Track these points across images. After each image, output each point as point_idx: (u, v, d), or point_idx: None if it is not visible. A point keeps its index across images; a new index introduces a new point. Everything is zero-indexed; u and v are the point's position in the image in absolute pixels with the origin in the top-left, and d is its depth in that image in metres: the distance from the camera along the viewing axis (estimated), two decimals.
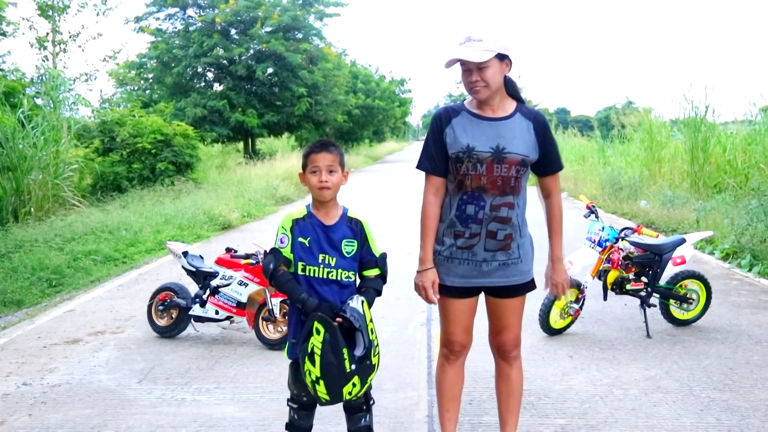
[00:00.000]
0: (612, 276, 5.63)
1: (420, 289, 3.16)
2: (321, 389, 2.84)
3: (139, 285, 7.93)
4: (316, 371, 2.82)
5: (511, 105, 3.13)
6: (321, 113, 30.60)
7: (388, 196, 18.11)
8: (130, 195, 14.71)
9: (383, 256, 3.12)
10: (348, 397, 2.90)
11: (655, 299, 5.73)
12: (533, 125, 3.09)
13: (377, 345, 3.01)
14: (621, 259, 5.60)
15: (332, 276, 2.98)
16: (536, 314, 5.54)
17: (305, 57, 28.19)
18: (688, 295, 5.75)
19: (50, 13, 18.50)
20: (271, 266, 2.98)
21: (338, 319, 2.87)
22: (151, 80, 28.85)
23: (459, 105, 3.17)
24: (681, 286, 5.74)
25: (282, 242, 3.00)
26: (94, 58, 39.52)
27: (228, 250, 5.73)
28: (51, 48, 18.87)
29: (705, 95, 15.05)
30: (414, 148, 77.37)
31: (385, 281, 3.15)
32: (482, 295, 3.24)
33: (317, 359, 2.81)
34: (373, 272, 3.09)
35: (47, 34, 18.60)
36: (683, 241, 5.77)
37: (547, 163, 3.17)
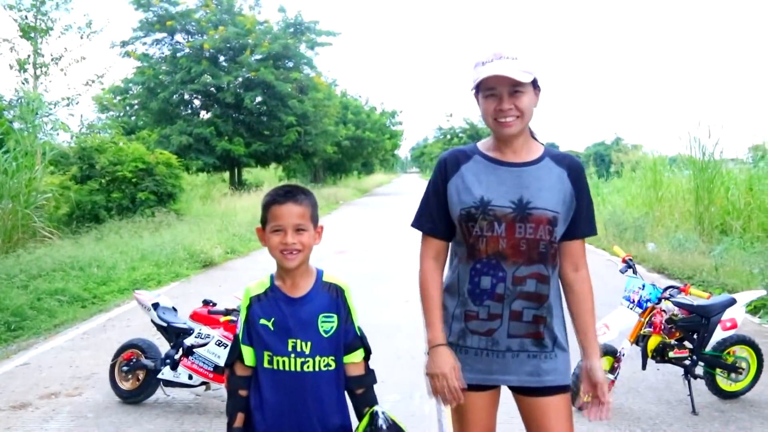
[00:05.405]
0: (653, 342, 4.81)
1: (439, 379, 2.30)
2: None
3: (107, 333, 7.07)
4: None
5: (537, 148, 2.41)
6: (310, 143, 29.93)
7: (380, 232, 17.29)
8: (108, 226, 13.89)
9: (361, 330, 2.33)
10: None
11: (699, 368, 4.94)
12: (567, 173, 2.37)
13: None
14: (664, 322, 4.81)
15: (308, 367, 2.18)
16: None
17: (295, 86, 27.60)
18: (737, 364, 4.98)
19: (32, 35, 17.93)
20: (227, 361, 2.35)
21: None
22: (136, 106, 28.10)
23: (471, 147, 2.44)
24: (729, 353, 4.97)
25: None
26: (76, 82, 38.71)
27: (206, 302, 4.89)
28: (32, 71, 18.24)
29: (709, 133, 14.42)
30: (402, 181, 77.05)
31: (368, 360, 2.36)
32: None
33: None
34: (356, 356, 2.29)
35: (28, 56, 18.05)
36: (734, 301, 4.98)
37: (577, 224, 2.41)
